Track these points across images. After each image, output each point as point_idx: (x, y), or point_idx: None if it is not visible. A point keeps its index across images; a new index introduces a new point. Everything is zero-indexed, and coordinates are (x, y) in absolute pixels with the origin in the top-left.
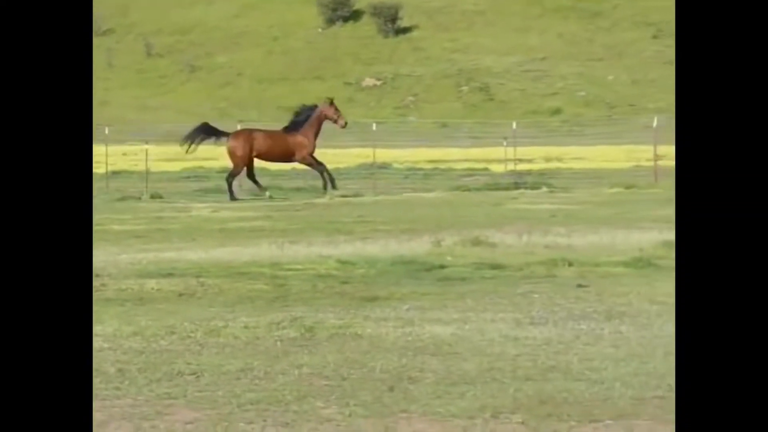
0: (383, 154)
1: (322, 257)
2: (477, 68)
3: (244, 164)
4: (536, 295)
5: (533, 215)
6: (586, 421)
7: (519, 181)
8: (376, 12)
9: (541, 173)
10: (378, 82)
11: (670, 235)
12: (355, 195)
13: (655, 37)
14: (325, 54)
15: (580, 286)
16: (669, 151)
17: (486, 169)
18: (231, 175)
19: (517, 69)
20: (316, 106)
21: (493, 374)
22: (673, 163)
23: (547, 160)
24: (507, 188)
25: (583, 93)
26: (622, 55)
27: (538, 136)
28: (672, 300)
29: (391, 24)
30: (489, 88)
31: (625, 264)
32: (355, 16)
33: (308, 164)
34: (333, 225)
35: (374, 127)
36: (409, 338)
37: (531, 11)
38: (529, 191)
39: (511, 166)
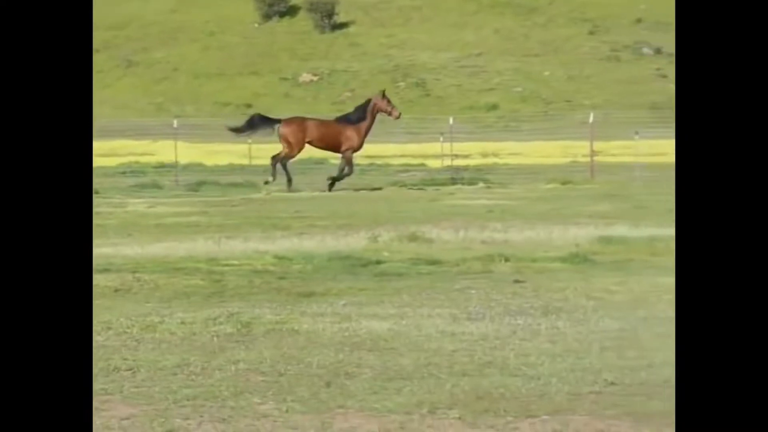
0: (320, 150)
1: (258, 253)
2: (413, 64)
3: (298, 150)
4: (473, 291)
5: (470, 211)
6: (522, 417)
7: (456, 177)
8: (313, 7)
9: (478, 169)
10: (315, 78)
11: (606, 231)
12: (292, 191)
13: (591, 33)
14: (261, 49)
15: (516, 281)
16: (604, 147)
17: (423, 164)
18: (285, 158)
19: (454, 65)
20: (369, 100)
21: (429, 370)
22: (608, 158)
23: (484, 155)
24: (444, 184)
25: (519, 89)
26: (558, 51)
27: (475, 132)
28: (608, 296)
29: (328, 19)
30: (425, 84)
31: (562, 259)
32: (292, 11)
33: (345, 157)
34: (270, 220)
35: None
36: (346, 334)
37: (467, 7)
38: (465, 187)
39: (447, 162)
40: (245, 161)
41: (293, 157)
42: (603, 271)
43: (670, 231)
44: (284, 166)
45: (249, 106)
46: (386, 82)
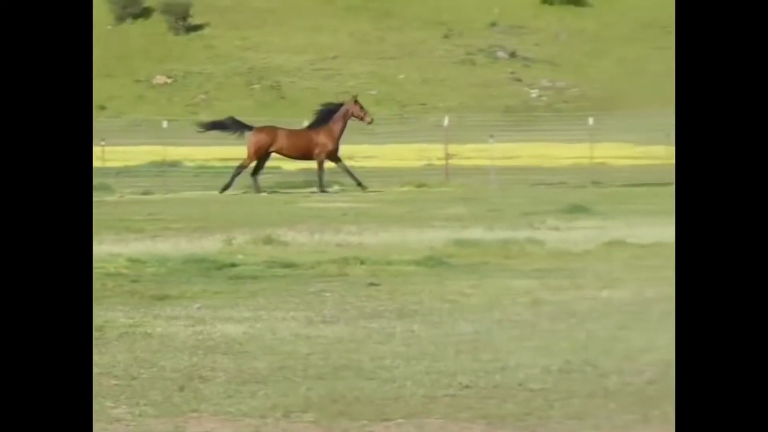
0: (174, 152)
1: (111, 255)
2: (268, 66)
3: (254, 161)
4: (328, 294)
5: (325, 213)
6: (377, 420)
7: (311, 180)
8: (167, 9)
9: (333, 171)
10: (169, 80)
11: (461, 234)
12: (145, 193)
13: (445, 36)
14: (115, 52)
15: (371, 284)
16: (459, 150)
17: (278, 167)
18: (241, 166)
19: (309, 67)
20: (341, 105)
21: (284, 373)
22: (462, 162)
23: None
24: (299, 186)
25: (374, 92)
26: (413, 55)
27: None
28: (462, 298)
29: (182, 21)
30: (280, 87)
31: (417, 262)
32: (146, 13)
33: (319, 162)
34: (123, 223)
35: (165, 124)
36: (200, 337)
37: (322, 10)
38: None
39: (302, 165)
40: (98, 163)
41: (246, 167)
42: (458, 274)
43: (524, 233)
44: (237, 173)
45: (103, 108)
46: (241, 85)
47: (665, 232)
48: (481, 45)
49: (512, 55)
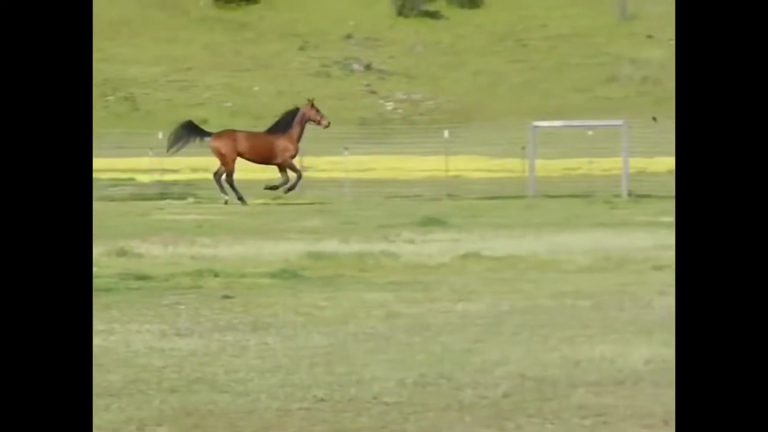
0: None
1: None
2: (122, 78)
3: (232, 161)
4: (182, 306)
5: (179, 226)
6: None
7: (165, 192)
8: None
9: (188, 183)
10: None
11: (316, 246)
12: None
13: (301, 48)
14: None
15: (226, 297)
16: (315, 162)
17: (132, 179)
18: (228, 175)
19: (163, 79)
20: (298, 109)
21: (138, 386)
22: (318, 174)
23: (194, 170)
24: (153, 198)
25: (229, 104)
26: (269, 67)
27: (185, 147)
28: (317, 311)
29: None
30: (135, 98)
31: (271, 275)
32: None
33: (289, 167)
34: None
35: None
36: None
37: (176, 22)
38: (175, 201)
39: (157, 176)
40: None
41: (232, 170)
42: (312, 287)
43: (379, 246)
44: (230, 185)
45: None
46: (95, 96)
47: (519, 244)
48: (337, 57)
49: (367, 67)
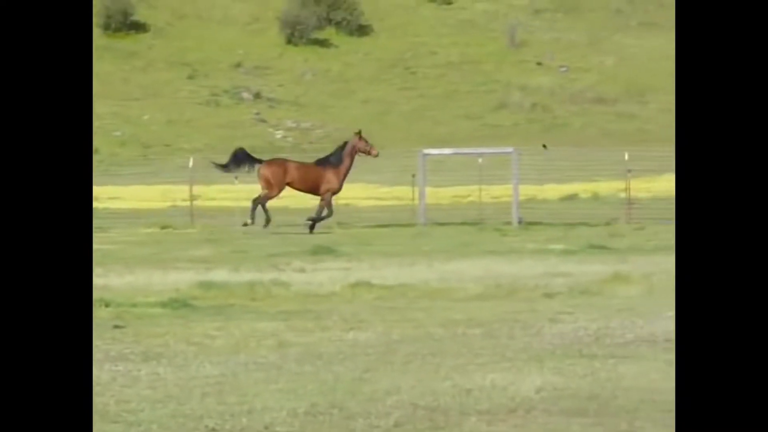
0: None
1: None
2: None
3: (278, 190)
4: None
5: None
6: None
7: None
8: None
9: None
10: None
11: (206, 276)
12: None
13: (190, 77)
14: None
15: (116, 327)
16: (204, 191)
17: None
18: (265, 198)
19: None
20: (347, 143)
21: None
22: (208, 203)
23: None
24: None
25: (118, 133)
26: (158, 95)
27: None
28: (208, 341)
29: None
30: None
31: (162, 304)
32: None
33: (325, 201)
34: None
35: None
36: None
37: None
38: None
39: None
40: None
41: (273, 197)
42: (203, 316)
43: (270, 275)
44: (263, 206)
45: None
46: None
47: (410, 272)
48: (226, 86)
49: (257, 95)
